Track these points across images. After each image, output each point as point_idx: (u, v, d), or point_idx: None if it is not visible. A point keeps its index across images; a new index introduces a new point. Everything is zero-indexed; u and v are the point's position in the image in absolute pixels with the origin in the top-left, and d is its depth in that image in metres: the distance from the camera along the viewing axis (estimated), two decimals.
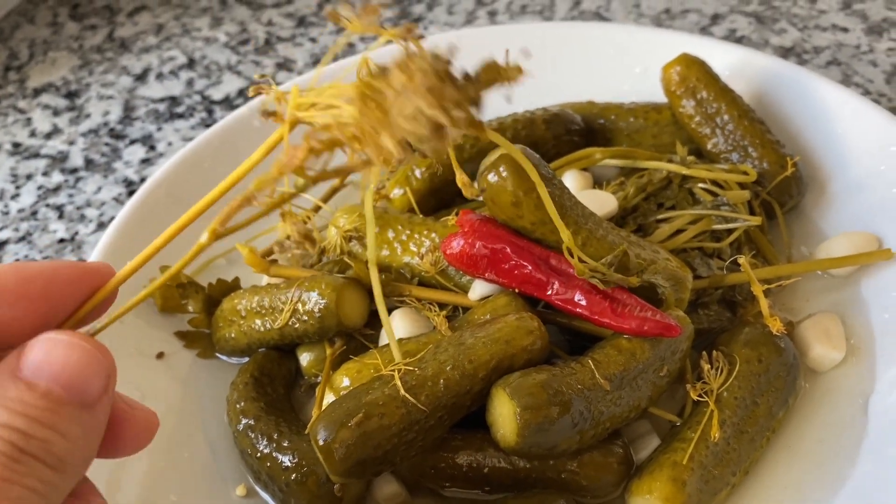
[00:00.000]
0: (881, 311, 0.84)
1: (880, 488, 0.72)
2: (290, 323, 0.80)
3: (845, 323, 0.84)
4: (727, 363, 0.76)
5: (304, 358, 0.83)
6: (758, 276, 0.79)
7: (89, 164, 1.19)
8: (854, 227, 0.89)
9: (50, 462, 0.41)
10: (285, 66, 1.31)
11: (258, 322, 0.82)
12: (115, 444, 0.48)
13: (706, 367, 0.75)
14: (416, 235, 0.83)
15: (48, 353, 0.42)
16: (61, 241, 1.08)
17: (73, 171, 1.18)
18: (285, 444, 0.74)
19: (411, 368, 0.70)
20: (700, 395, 0.74)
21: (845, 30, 1.25)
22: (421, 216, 0.86)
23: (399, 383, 0.68)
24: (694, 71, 0.93)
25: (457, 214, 0.80)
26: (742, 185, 0.89)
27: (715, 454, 0.72)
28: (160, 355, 0.85)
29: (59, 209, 1.13)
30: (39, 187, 1.16)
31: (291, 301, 0.80)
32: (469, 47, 1.07)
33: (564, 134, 0.96)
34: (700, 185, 0.89)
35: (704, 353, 0.76)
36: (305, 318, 0.79)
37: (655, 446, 0.76)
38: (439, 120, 0.37)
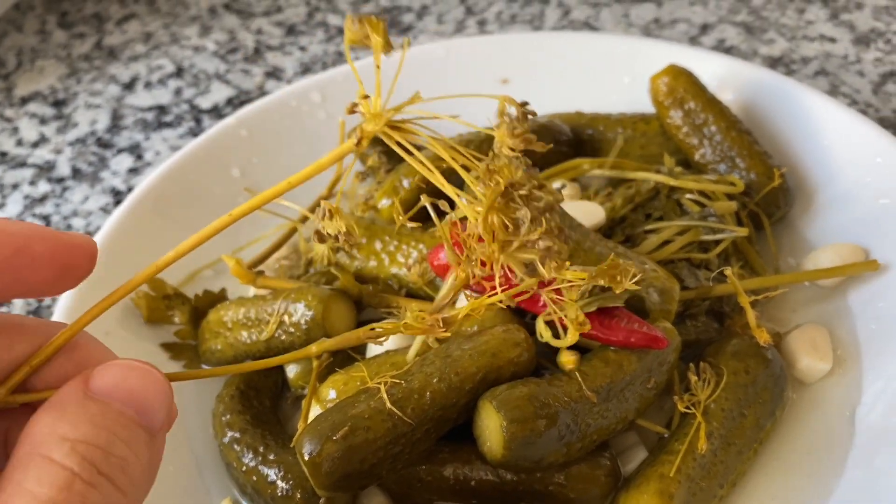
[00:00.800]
0: (868, 322, 0.84)
1: (867, 499, 0.72)
2: (276, 335, 0.80)
3: (832, 334, 0.84)
4: (714, 375, 0.76)
5: (291, 370, 0.83)
6: (745, 287, 0.79)
7: (76, 173, 1.18)
8: (841, 239, 0.89)
9: (122, 485, 0.39)
10: (274, 74, 1.31)
11: (244, 334, 0.82)
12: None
13: (693, 378, 0.75)
14: (404, 246, 0.83)
15: (123, 376, 0.42)
16: None
17: (60, 180, 1.17)
18: (271, 458, 0.74)
19: (398, 381, 0.69)
20: (687, 407, 0.74)
21: (833, 40, 1.26)
22: (409, 226, 0.85)
23: (385, 396, 0.68)
24: (682, 82, 0.94)
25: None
26: (730, 196, 0.89)
27: (702, 466, 0.72)
28: None
29: (46, 219, 1.12)
30: (26, 197, 1.15)
31: (278, 313, 0.79)
32: (459, 57, 1.09)
33: (552, 145, 0.96)
34: (688, 195, 0.89)
35: (692, 364, 0.76)
36: (292, 329, 0.79)
37: (643, 458, 0.75)
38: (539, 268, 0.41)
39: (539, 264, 0.41)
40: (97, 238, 0.89)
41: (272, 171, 1.01)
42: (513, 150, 0.40)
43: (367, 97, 0.42)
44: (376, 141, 1.02)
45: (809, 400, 0.81)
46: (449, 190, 0.41)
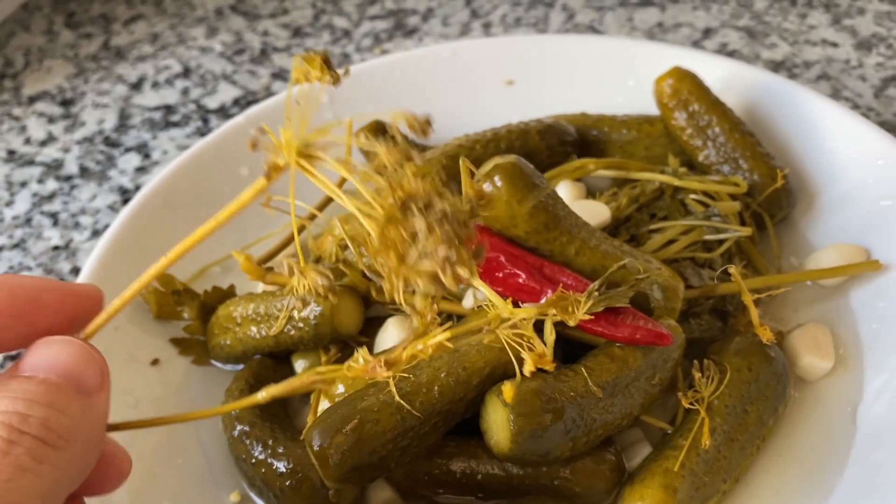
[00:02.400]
0: (869, 321, 0.85)
1: (868, 495, 0.72)
2: (285, 330, 0.81)
3: (834, 333, 0.85)
4: (718, 372, 0.77)
5: (299, 365, 0.83)
6: (748, 287, 0.80)
7: (84, 171, 1.19)
8: (842, 239, 0.90)
9: (49, 439, 0.43)
10: (280, 76, 1.32)
11: (253, 329, 0.83)
12: (99, 478, 0.50)
13: (697, 375, 0.76)
14: None
15: (44, 350, 0.46)
16: (55, 248, 1.08)
17: (68, 178, 1.18)
18: (280, 451, 0.75)
19: (406, 375, 0.70)
20: (691, 403, 0.75)
21: (835, 45, 1.27)
22: None
23: (394, 390, 0.69)
24: (686, 84, 0.95)
25: None
26: (733, 197, 0.90)
27: (706, 462, 0.73)
28: (155, 362, 0.86)
29: (54, 216, 1.13)
30: (34, 194, 1.16)
31: (287, 308, 0.80)
32: (465, 58, 1.10)
33: (558, 145, 0.97)
34: (692, 196, 0.90)
35: (696, 361, 0.77)
36: (301, 325, 0.80)
37: (647, 454, 0.76)
38: (442, 278, 0.40)
39: (441, 275, 0.40)
40: (106, 234, 0.90)
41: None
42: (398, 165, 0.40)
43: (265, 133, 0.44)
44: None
45: (811, 397, 0.82)
46: (351, 207, 0.42)
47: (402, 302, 0.42)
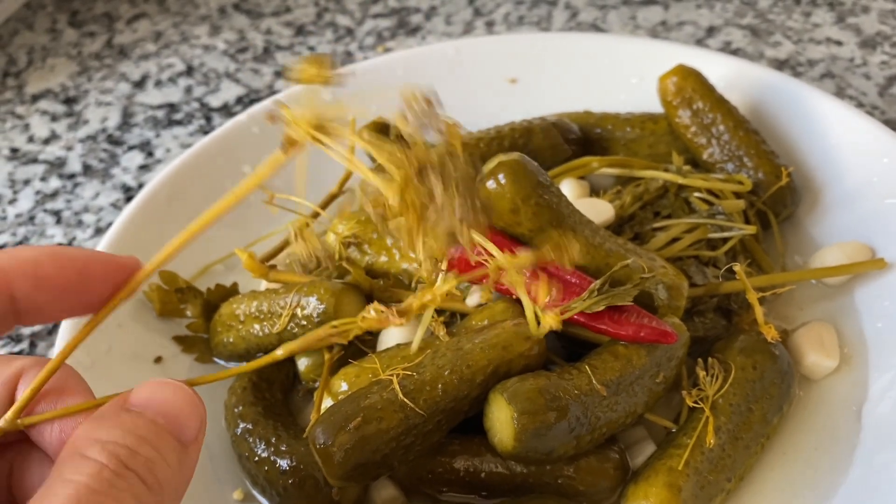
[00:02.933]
0: (874, 320, 0.85)
1: (873, 494, 0.72)
2: (288, 328, 0.80)
3: (839, 332, 0.84)
4: (722, 370, 0.77)
5: (302, 363, 0.83)
6: (753, 285, 0.80)
7: (87, 169, 1.19)
8: (847, 237, 0.90)
9: (149, 482, 0.44)
10: (283, 74, 1.32)
11: (256, 327, 0.82)
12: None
13: (702, 373, 0.76)
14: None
15: (155, 392, 0.47)
16: (58, 245, 1.08)
17: (71, 176, 1.18)
18: (283, 448, 0.75)
19: (409, 373, 0.70)
20: (695, 402, 0.75)
21: (839, 43, 1.27)
22: None
23: (398, 387, 0.69)
24: (690, 82, 0.94)
25: None
26: (737, 195, 0.90)
27: (710, 460, 0.73)
28: (158, 360, 0.86)
29: (57, 214, 1.13)
30: (37, 192, 1.16)
31: (290, 306, 0.80)
32: (468, 56, 1.10)
33: (561, 143, 0.97)
34: (696, 194, 0.89)
35: (700, 359, 0.77)
36: (304, 322, 0.79)
37: (651, 452, 0.76)
38: (458, 236, 0.43)
39: (458, 233, 0.42)
40: (110, 232, 0.90)
41: (283, 168, 1.02)
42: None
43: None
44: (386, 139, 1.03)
45: (816, 396, 0.82)
46: (371, 176, 0.43)
47: (420, 257, 0.46)
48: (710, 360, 0.77)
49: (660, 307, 0.77)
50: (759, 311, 0.78)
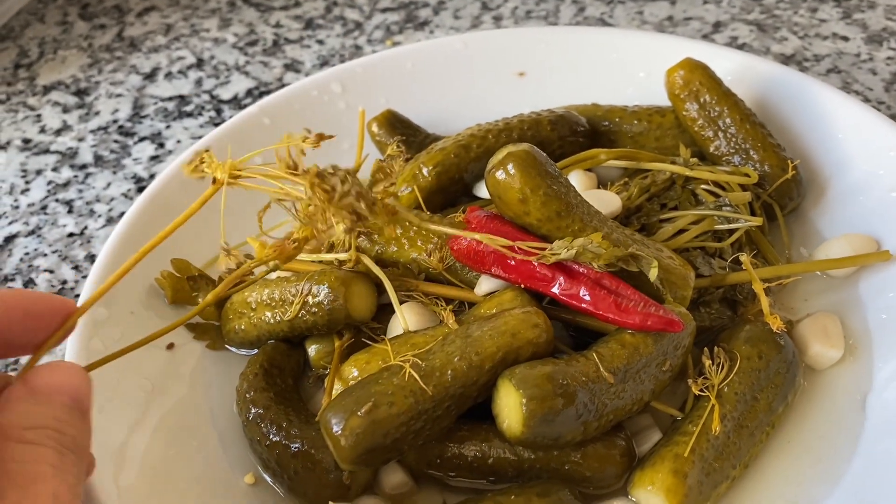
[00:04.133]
0: (878, 311, 0.85)
1: (877, 482, 0.73)
2: (299, 315, 0.81)
3: (843, 323, 0.85)
4: (728, 359, 0.77)
5: (313, 350, 0.84)
6: (758, 276, 0.81)
7: (98, 160, 1.20)
8: (853, 229, 0.91)
9: (78, 453, 0.53)
10: (293, 67, 1.33)
11: (268, 314, 0.83)
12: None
13: (707, 362, 0.77)
14: (424, 231, 0.85)
15: (60, 376, 0.55)
16: (70, 235, 1.10)
17: (83, 167, 1.19)
18: (294, 433, 0.76)
19: (419, 361, 0.71)
20: (701, 390, 0.76)
21: (845, 38, 1.27)
22: (428, 213, 0.87)
23: (409, 372, 0.70)
24: (697, 75, 0.95)
25: (464, 212, 0.82)
26: (743, 187, 0.90)
27: (715, 448, 0.74)
28: (170, 347, 0.87)
29: (69, 204, 1.14)
30: (49, 182, 1.17)
31: (301, 294, 0.81)
32: (476, 50, 1.10)
33: (569, 135, 0.98)
34: (702, 186, 0.90)
35: (706, 349, 0.78)
36: (315, 310, 0.80)
37: (657, 440, 0.77)
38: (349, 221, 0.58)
39: (357, 209, 0.58)
40: (123, 221, 0.91)
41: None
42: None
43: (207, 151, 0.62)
44: (395, 130, 1.04)
45: (820, 386, 0.83)
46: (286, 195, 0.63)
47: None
48: (715, 349, 0.78)
49: (666, 297, 0.78)
50: (764, 302, 0.79)
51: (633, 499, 0.74)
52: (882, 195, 0.90)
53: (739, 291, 0.87)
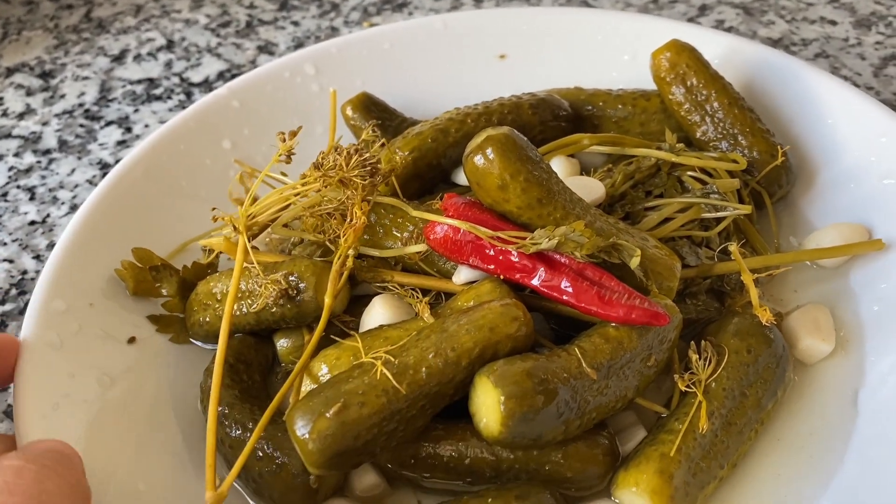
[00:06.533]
0: (871, 302, 0.82)
1: (870, 481, 0.70)
2: (267, 307, 0.77)
3: (834, 315, 0.82)
4: (715, 353, 0.74)
5: (282, 344, 0.80)
6: (747, 266, 0.78)
7: (63, 145, 1.15)
8: (844, 218, 0.88)
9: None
10: (266, 49, 1.28)
11: (234, 306, 0.79)
12: None
13: (694, 357, 0.74)
14: (399, 220, 0.81)
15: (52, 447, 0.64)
16: (32, 223, 1.05)
17: (46, 152, 1.14)
18: (260, 433, 0.71)
19: (392, 358, 0.67)
20: (688, 386, 0.73)
21: (833, 23, 1.24)
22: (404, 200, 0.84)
23: (381, 370, 0.66)
24: (684, 57, 0.92)
25: (441, 199, 0.78)
26: (731, 174, 0.87)
27: (703, 446, 0.70)
28: (132, 340, 0.82)
29: (31, 191, 1.09)
30: (10, 168, 1.12)
31: (268, 283, 0.77)
32: (456, 31, 1.06)
33: (552, 119, 0.94)
34: (689, 173, 0.87)
35: (693, 343, 0.75)
36: (283, 301, 0.76)
37: (642, 438, 0.74)
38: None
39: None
40: (85, 205, 0.87)
41: (264, 143, 0.99)
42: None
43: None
44: (370, 114, 1.00)
45: (811, 381, 0.80)
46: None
47: None
48: (702, 342, 0.75)
49: (651, 288, 0.75)
50: (754, 293, 0.76)
51: (617, 501, 0.70)
52: (874, 183, 0.87)
53: (727, 282, 0.84)
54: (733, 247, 0.76)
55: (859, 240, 0.84)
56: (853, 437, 0.74)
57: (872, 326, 0.81)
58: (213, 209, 0.78)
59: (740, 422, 0.73)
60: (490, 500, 0.67)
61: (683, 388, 0.73)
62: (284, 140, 0.75)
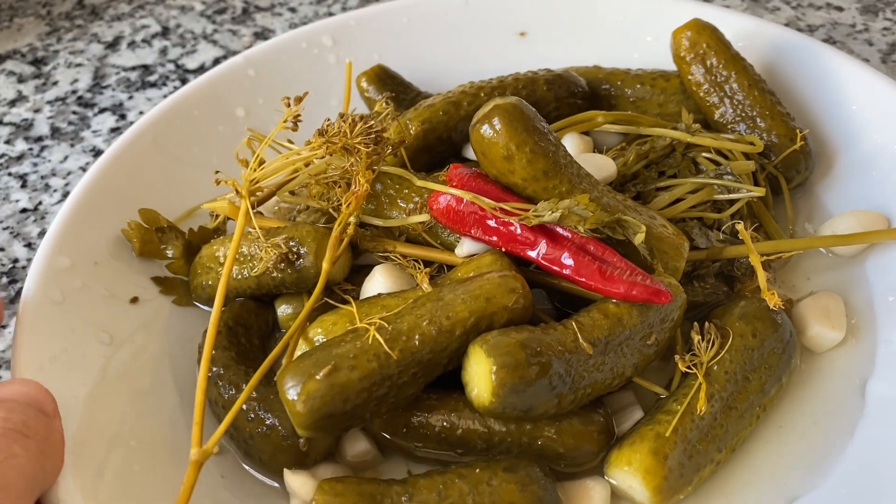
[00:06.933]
0: (885, 293, 0.80)
1: (872, 474, 0.68)
2: (267, 271, 0.77)
3: (847, 304, 0.80)
4: (720, 336, 0.72)
5: (283, 310, 0.80)
6: (758, 250, 0.76)
7: (55, 132, 1.14)
8: (862, 206, 0.85)
9: (27, 433, 0.61)
10: (263, 35, 1.27)
11: (236, 270, 0.79)
12: None
13: (697, 338, 0.72)
14: (405, 190, 0.80)
15: (17, 385, 0.65)
16: (24, 210, 1.04)
17: (38, 139, 1.13)
18: (252, 395, 0.71)
19: (385, 324, 0.66)
20: (689, 367, 0.71)
21: (840, 9, 1.21)
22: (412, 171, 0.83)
23: (374, 335, 0.65)
24: (705, 36, 0.90)
25: (447, 170, 0.77)
26: (747, 156, 0.85)
27: (700, 429, 0.69)
28: (134, 300, 0.82)
29: (23, 178, 1.08)
30: (2, 156, 1.11)
31: (270, 248, 0.77)
32: (477, 8, 1.05)
33: (567, 96, 0.93)
34: (704, 154, 0.85)
35: (696, 324, 0.73)
36: (283, 266, 0.76)
37: (638, 418, 0.72)
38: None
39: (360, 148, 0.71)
40: (95, 164, 0.87)
41: (278, 113, 0.98)
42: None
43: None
44: (384, 87, 0.99)
45: (818, 369, 0.77)
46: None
47: None
48: (707, 324, 0.73)
49: (656, 267, 0.73)
50: (761, 276, 0.74)
51: (609, 479, 0.69)
52: (895, 169, 0.84)
53: (738, 267, 0.82)
54: (741, 226, 0.74)
55: (877, 228, 0.82)
56: (858, 428, 0.72)
57: (886, 317, 0.79)
58: (216, 172, 0.77)
59: (741, 406, 0.71)
60: (478, 470, 0.66)
61: (684, 370, 0.71)
62: (289, 106, 0.74)
